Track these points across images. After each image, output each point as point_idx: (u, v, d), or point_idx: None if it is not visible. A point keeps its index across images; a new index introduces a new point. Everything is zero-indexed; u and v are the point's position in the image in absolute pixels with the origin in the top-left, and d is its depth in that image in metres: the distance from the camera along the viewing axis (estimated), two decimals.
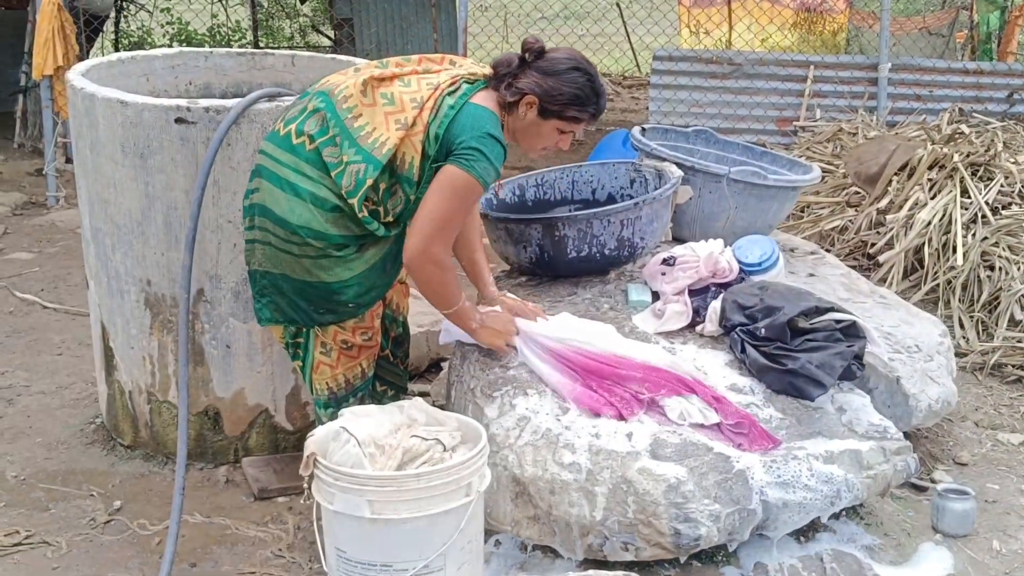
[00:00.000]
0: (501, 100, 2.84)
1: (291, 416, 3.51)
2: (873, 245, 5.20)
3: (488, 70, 2.90)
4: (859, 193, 5.76)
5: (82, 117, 3.32)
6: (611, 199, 3.85)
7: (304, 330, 3.05)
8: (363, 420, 2.64)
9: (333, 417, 2.83)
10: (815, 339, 3.03)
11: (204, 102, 3.22)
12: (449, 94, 2.81)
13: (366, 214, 2.85)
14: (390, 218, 2.91)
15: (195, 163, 3.21)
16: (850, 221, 5.55)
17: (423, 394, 3.85)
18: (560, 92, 2.81)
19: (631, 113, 10.49)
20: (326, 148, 2.83)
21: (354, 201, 2.81)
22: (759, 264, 3.42)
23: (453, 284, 2.92)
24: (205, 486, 3.40)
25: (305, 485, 2.63)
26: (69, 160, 7.33)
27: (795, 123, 7.26)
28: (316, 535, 2.64)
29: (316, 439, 2.57)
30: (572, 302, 3.44)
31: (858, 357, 3.08)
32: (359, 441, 2.52)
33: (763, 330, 3.04)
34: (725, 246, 3.43)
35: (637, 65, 9.94)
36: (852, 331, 3.10)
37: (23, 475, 3.46)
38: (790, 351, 2.99)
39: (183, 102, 3.20)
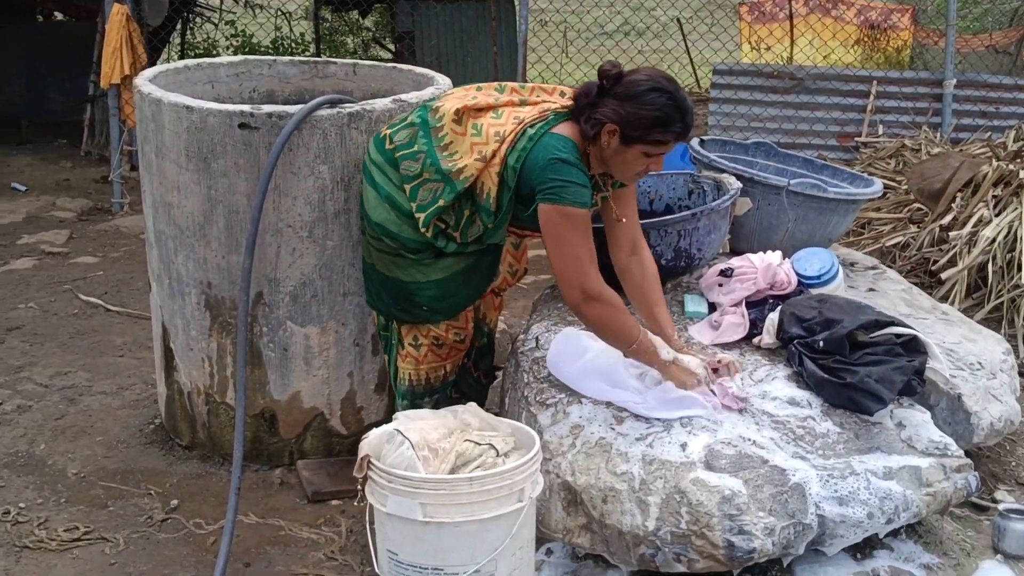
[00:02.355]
0: (584, 131, 2.80)
1: (346, 420, 3.54)
2: (935, 262, 5.11)
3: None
4: (921, 210, 5.67)
5: (148, 122, 3.39)
6: (668, 210, 3.83)
7: (391, 322, 3.13)
8: (417, 423, 2.65)
9: (406, 409, 2.89)
10: (875, 353, 2.98)
11: (267, 108, 3.27)
12: (531, 126, 2.81)
13: (430, 233, 2.91)
14: (467, 240, 2.96)
15: (257, 168, 3.25)
16: (912, 238, 5.46)
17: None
18: (639, 117, 2.71)
19: None
20: (404, 161, 2.94)
21: (421, 216, 2.89)
22: (818, 277, 3.38)
23: (626, 317, 2.84)
24: (260, 487, 3.44)
25: (359, 487, 2.64)
26: (134, 168, 7.48)
27: (857, 139, 7.18)
28: (368, 537, 2.66)
29: (370, 441, 2.59)
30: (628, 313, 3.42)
31: (919, 372, 3.02)
32: (412, 444, 2.53)
33: (822, 343, 3.00)
34: (783, 258, 3.40)
35: (697, 81, 9.90)
36: (913, 346, 3.04)
37: (83, 473, 3.53)
38: (849, 365, 2.95)
39: (247, 107, 3.25)
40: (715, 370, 2.96)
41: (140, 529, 3.21)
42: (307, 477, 3.43)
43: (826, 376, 2.96)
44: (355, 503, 2.72)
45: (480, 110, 2.89)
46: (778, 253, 3.38)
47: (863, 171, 6.24)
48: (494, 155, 2.81)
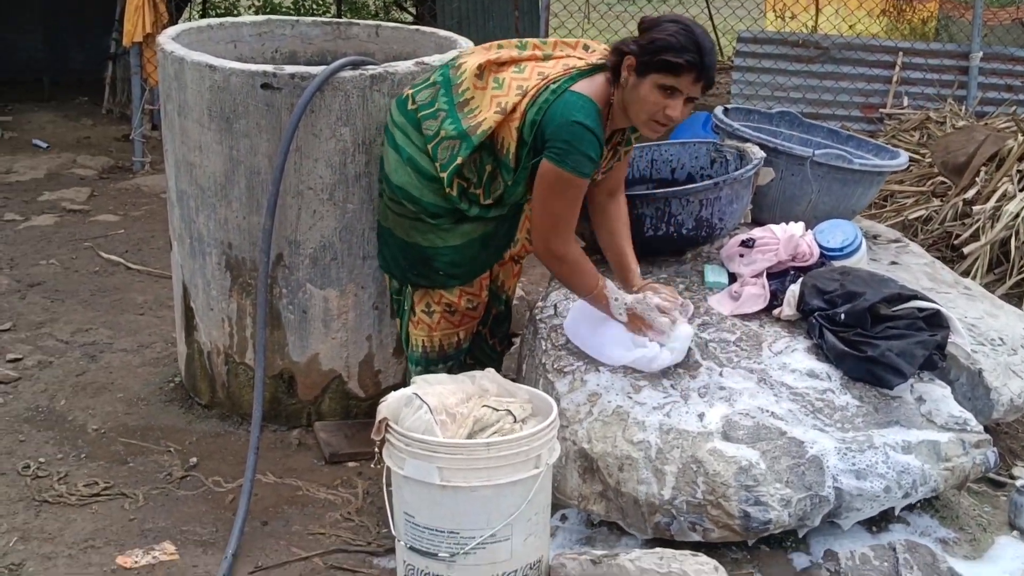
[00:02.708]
0: (609, 77, 2.77)
1: (363, 383, 3.55)
2: (958, 236, 5.07)
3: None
4: (945, 183, 5.61)
5: (171, 80, 3.38)
6: (690, 179, 3.80)
7: (405, 287, 3.14)
8: (435, 387, 2.66)
9: (418, 375, 2.90)
10: (896, 327, 2.97)
11: (290, 68, 3.25)
12: (555, 81, 2.79)
13: (454, 192, 2.91)
14: (489, 200, 2.95)
15: (279, 129, 3.24)
16: (935, 211, 5.41)
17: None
18: (652, 41, 2.68)
19: (712, 97, 10.32)
20: (426, 121, 2.92)
21: (444, 175, 2.88)
22: (840, 249, 3.36)
23: (586, 273, 2.92)
24: (278, 448, 3.46)
25: (376, 449, 2.66)
26: (155, 127, 7.47)
27: (881, 110, 7.09)
28: (385, 499, 2.67)
29: (388, 404, 2.60)
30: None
31: (940, 347, 3.00)
32: (431, 408, 2.54)
33: (843, 315, 2.98)
34: (806, 230, 3.37)
35: (720, 49, 9.80)
36: (935, 320, 3.02)
37: (103, 429, 3.56)
38: (870, 338, 2.93)
39: (269, 68, 3.24)
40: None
41: (159, 485, 3.24)
42: (324, 438, 3.45)
43: (847, 349, 2.94)
44: (372, 465, 2.73)
45: (502, 64, 2.87)
46: (800, 224, 3.35)
47: (887, 143, 6.18)
48: (514, 108, 2.79)
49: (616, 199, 3.10)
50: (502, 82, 2.84)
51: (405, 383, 3.51)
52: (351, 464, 3.37)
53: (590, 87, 2.78)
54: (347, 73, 3.25)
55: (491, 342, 3.38)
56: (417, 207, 2.98)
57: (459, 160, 2.85)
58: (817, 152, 3.62)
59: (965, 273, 4.69)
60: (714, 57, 2.75)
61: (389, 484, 2.69)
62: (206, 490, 3.23)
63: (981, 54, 6.99)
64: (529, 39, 3.00)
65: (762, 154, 3.56)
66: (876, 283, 3.08)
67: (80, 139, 7.67)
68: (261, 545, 2.97)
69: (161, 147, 7.14)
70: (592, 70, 2.82)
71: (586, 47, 2.93)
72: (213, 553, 2.92)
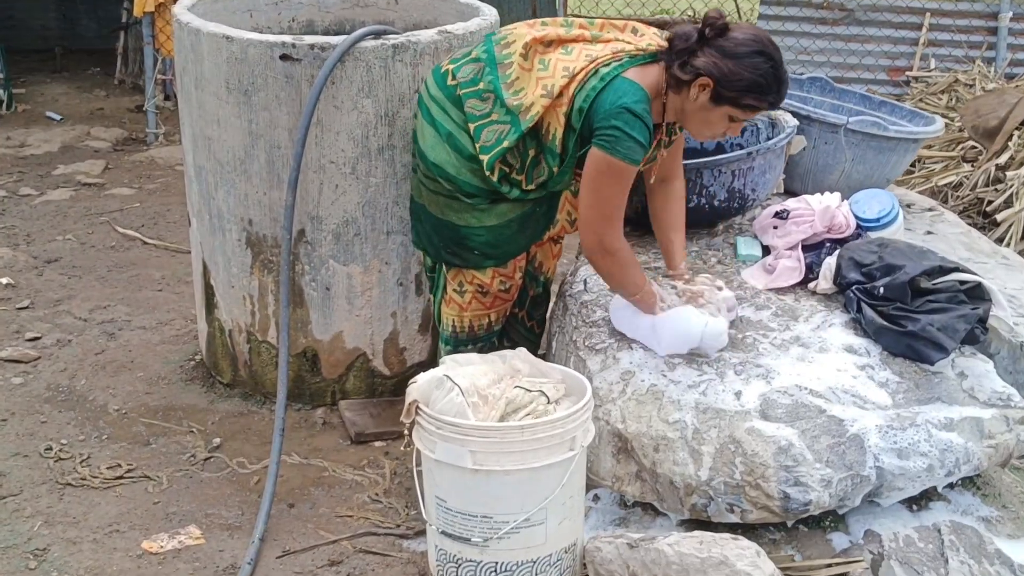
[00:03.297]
0: (667, 78, 2.66)
1: (388, 361, 3.48)
2: (990, 203, 4.96)
3: (665, 43, 2.74)
4: (976, 147, 5.49)
5: (187, 52, 3.30)
6: (720, 148, 3.69)
7: (438, 265, 3.05)
8: (466, 368, 2.59)
9: (449, 355, 2.83)
10: (937, 300, 2.88)
11: (309, 39, 3.16)
12: (605, 65, 2.67)
13: (495, 177, 2.80)
14: (531, 186, 2.85)
15: (299, 101, 3.16)
16: (965, 177, 5.29)
17: None
18: (740, 78, 2.57)
19: None
20: (470, 100, 2.79)
21: (485, 158, 2.76)
22: (877, 220, 3.27)
23: (635, 269, 2.81)
24: (302, 427, 3.40)
25: (406, 432, 2.60)
26: (167, 97, 7.39)
27: (908, 73, 6.94)
28: (415, 482, 2.61)
29: (419, 386, 2.53)
30: None
31: (982, 321, 2.91)
32: (462, 390, 2.47)
33: (882, 289, 2.89)
34: (841, 200, 3.28)
35: (739, 12, 9.63)
36: (977, 293, 2.93)
37: (124, 409, 3.51)
38: (910, 312, 2.85)
39: (288, 38, 3.15)
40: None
41: (183, 467, 3.19)
42: (350, 418, 3.39)
43: (886, 323, 2.86)
44: (402, 448, 2.67)
45: (549, 44, 2.75)
46: (836, 195, 3.26)
47: (914, 106, 6.05)
48: (561, 92, 2.68)
49: (671, 184, 2.98)
50: (548, 63, 2.72)
51: (433, 361, 3.47)
52: (377, 444, 3.32)
53: (641, 76, 2.67)
54: (368, 43, 3.15)
55: (529, 324, 3.29)
56: (453, 185, 2.87)
57: (505, 144, 2.74)
58: (851, 119, 3.52)
59: (999, 241, 4.59)
60: (789, 83, 2.68)
61: (419, 466, 2.63)
62: (230, 471, 3.18)
63: (1011, 14, 6.83)
64: (574, 18, 2.90)
65: (795, 122, 3.46)
66: (915, 255, 2.99)
67: (93, 111, 7.58)
68: (288, 528, 2.92)
69: (174, 118, 7.16)
70: (644, 58, 2.71)
71: (635, 30, 2.80)
72: (239, 537, 2.88)
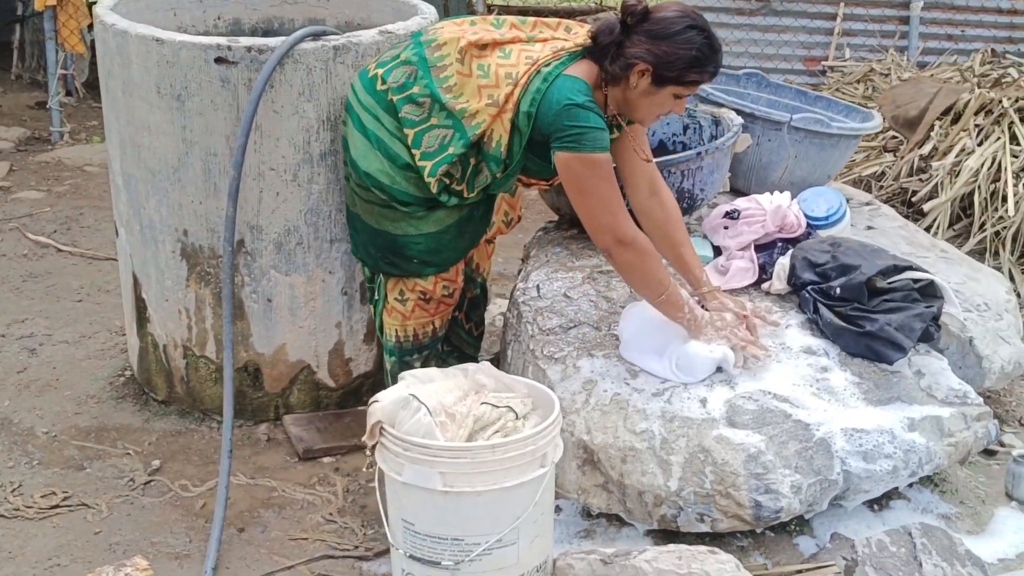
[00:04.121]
0: (600, 73, 2.61)
1: (334, 373, 3.37)
2: (915, 193, 5.04)
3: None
4: (896, 138, 5.58)
5: (113, 55, 3.12)
6: (662, 147, 3.67)
7: (377, 275, 2.95)
8: (429, 386, 2.50)
9: (396, 367, 2.77)
10: (893, 299, 2.89)
11: (246, 41, 3.02)
12: (546, 65, 2.60)
13: (435, 189, 2.71)
14: (472, 194, 2.76)
15: (236, 106, 3.02)
16: (888, 167, 5.37)
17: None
18: (677, 56, 2.54)
19: None
20: (405, 105, 2.69)
21: (428, 164, 2.67)
22: (826, 218, 3.27)
23: (657, 264, 2.70)
24: (246, 444, 3.27)
25: (367, 453, 2.50)
26: (69, 93, 7.08)
27: (823, 63, 7.04)
28: (379, 504, 2.51)
29: (382, 407, 2.43)
30: None
31: (935, 318, 2.94)
32: (430, 410, 2.38)
33: (838, 289, 2.90)
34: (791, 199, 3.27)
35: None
36: (929, 291, 2.96)
37: (54, 431, 3.32)
38: (868, 312, 2.86)
39: (224, 40, 3.00)
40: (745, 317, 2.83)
41: (122, 493, 3.03)
42: (296, 433, 3.26)
43: (844, 324, 2.86)
44: (364, 469, 2.58)
45: (484, 47, 2.67)
46: (787, 194, 3.25)
47: (831, 96, 6.12)
48: (507, 100, 2.61)
49: (659, 196, 2.88)
50: (488, 69, 2.64)
51: (379, 371, 3.37)
52: (326, 460, 3.20)
53: (582, 69, 2.62)
54: (308, 45, 3.02)
55: (467, 326, 3.22)
56: (387, 195, 2.77)
57: (451, 151, 2.65)
58: (795, 116, 3.52)
59: (926, 231, 4.66)
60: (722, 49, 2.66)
61: (382, 486, 2.53)
62: (173, 495, 3.03)
63: (922, 3, 6.96)
64: (505, 16, 2.81)
65: (740, 120, 3.44)
66: (869, 254, 3.00)
67: None
68: (240, 555, 2.79)
69: (78, 116, 6.87)
70: (582, 52, 2.65)
71: (568, 28, 2.75)
72: (190, 566, 2.74)
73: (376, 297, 3.06)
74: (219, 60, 2.98)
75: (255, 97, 2.94)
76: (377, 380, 3.36)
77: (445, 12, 7.36)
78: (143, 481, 3.08)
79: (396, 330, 3.01)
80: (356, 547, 2.82)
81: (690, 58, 2.56)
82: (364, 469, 2.58)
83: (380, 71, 2.77)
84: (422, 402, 2.39)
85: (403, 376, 2.58)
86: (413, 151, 2.70)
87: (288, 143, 3.06)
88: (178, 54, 2.99)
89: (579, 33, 2.73)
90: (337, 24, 3.66)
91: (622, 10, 2.59)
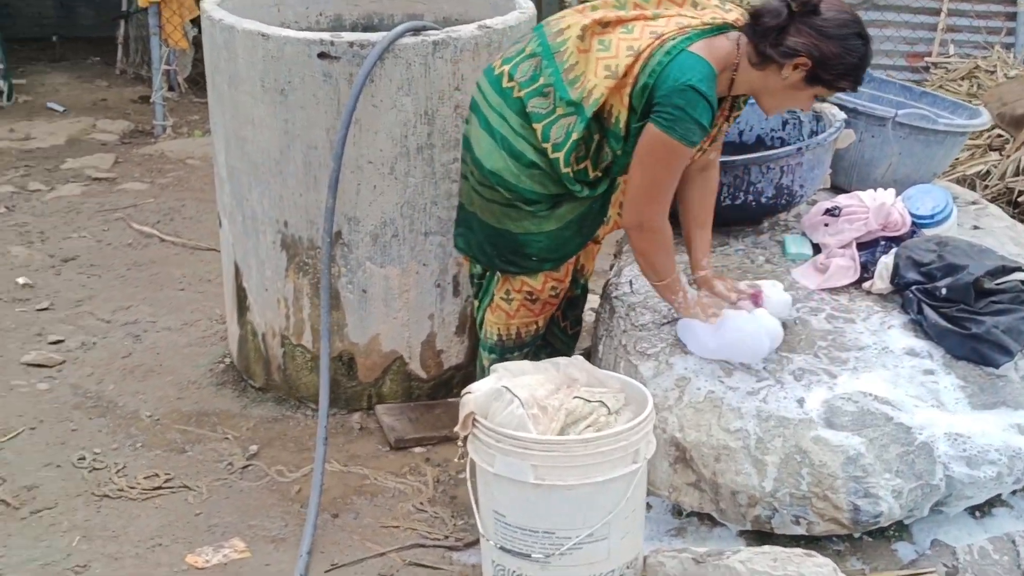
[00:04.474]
0: (747, 52, 2.55)
1: (425, 364, 3.40)
2: (1021, 193, 4.88)
3: (733, 15, 2.64)
4: (1002, 136, 5.41)
5: (220, 50, 3.19)
6: (760, 142, 3.62)
7: (489, 271, 2.93)
8: (522, 379, 2.50)
9: (493, 363, 2.75)
10: (1000, 301, 2.80)
11: (348, 36, 3.06)
12: (671, 39, 2.55)
13: (571, 172, 2.68)
14: (598, 173, 2.74)
15: (337, 100, 3.06)
16: (993, 166, 5.21)
17: None
18: (840, 60, 2.49)
19: None
20: (532, 99, 2.66)
21: (560, 155, 2.65)
22: (931, 217, 3.18)
23: (671, 254, 2.74)
24: (339, 432, 3.32)
25: (459, 444, 2.51)
26: (172, 88, 7.27)
27: (927, 59, 6.86)
28: (470, 495, 2.53)
29: (475, 398, 2.44)
30: (724, 253, 3.24)
31: None
32: (523, 402, 2.39)
33: (944, 290, 2.82)
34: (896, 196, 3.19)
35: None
36: None
37: (157, 415, 3.42)
38: (974, 314, 2.77)
39: (327, 36, 3.05)
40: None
41: (221, 476, 3.11)
42: (388, 423, 3.30)
43: (949, 326, 2.78)
44: (456, 460, 2.59)
45: (607, 25, 2.62)
46: (891, 191, 3.17)
47: (936, 92, 5.95)
48: (627, 72, 2.55)
49: (707, 174, 2.88)
50: (608, 44, 2.59)
51: (471, 364, 3.39)
52: (417, 450, 3.24)
53: (708, 49, 2.55)
54: (408, 40, 3.06)
55: (563, 324, 3.20)
56: (513, 193, 2.74)
57: (574, 136, 2.62)
58: (900, 112, 3.43)
59: None
60: None
61: (473, 477, 2.55)
62: (270, 480, 3.10)
63: None
64: None
65: (843, 116, 3.37)
66: (976, 254, 2.91)
67: (96, 101, 7.45)
68: (334, 540, 2.84)
69: (180, 110, 7.05)
70: (711, 31, 2.59)
71: (695, 4, 2.69)
72: (285, 550, 2.80)
73: (481, 294, 3.03)
74: (322, 55, 3.03)
75: (356, 91, 2.98)
76: (468, 372, 3.39)
77: (539, 6, 7.38)
78: (241, 465, 3.15)
79: (499, 328, 3.00)
80: (447, 536, 2.85)
81: (851, 65, 2.51)
82: (456, 460, 2.60)
83: (506, 67, 2.74)
84: (515, 394, 2.40)
85: (495, 368, 2.59)
86: (544, 145, 2.67)
87: (386, 136, 3.10)
88: (283, 49, 3.05)
89: (707, 8, 2.67)
90: (435, 19, 3.68)
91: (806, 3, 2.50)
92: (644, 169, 2.59)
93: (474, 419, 2.44)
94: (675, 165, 2.59)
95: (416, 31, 3.09)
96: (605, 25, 2.63)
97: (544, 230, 2.79)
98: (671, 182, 2.62)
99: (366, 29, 3.70)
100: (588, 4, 2.74)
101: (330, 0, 3.74)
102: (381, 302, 3.29)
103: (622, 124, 2.61)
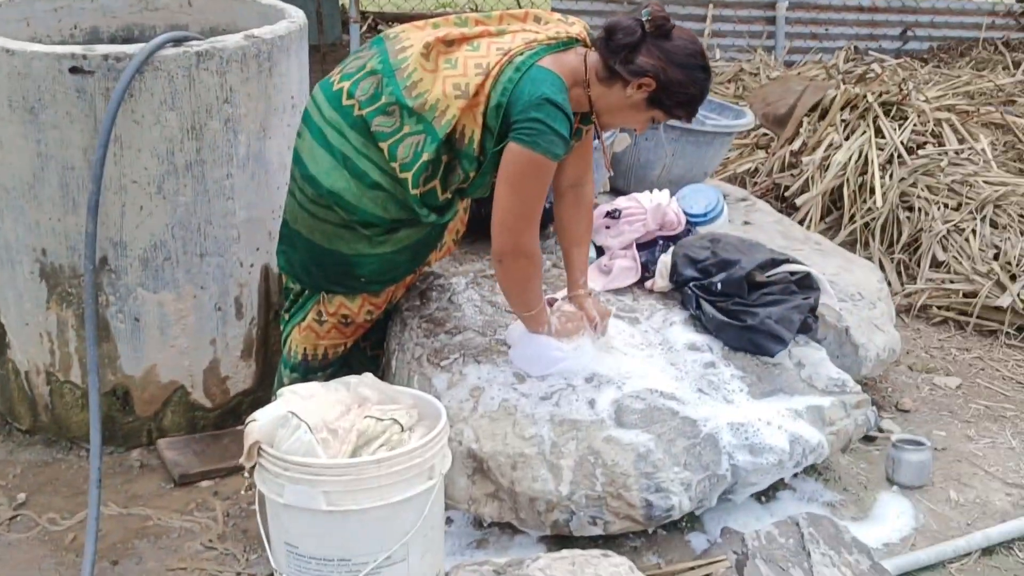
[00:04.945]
0: (597, 68, 2.53)
1: (210, 392, 3.23)
2: (787, 188, 5.15)
3: (576, 28, 2.61)
4: (767, 135, 5.70)
5: None
6: None
7: (314, 293, 2.82)
8: (310, 403, 2.40)
9: (295, 382, 2.62)
10: (772, 293, 2.93)
11: (102, 49, 2.87)
12: (519, 55, 2.50)
13: (419, 193, 2.57)
14: (447, 195, 2.64)
15: (94, 117, 2.87)
16: (761, 163, 5.48)
17: None
18: (682, 89, 2.48)
19: None
20: (376, 117, 2.55)
21: (408, 175, 2.54)
22: (704, 215, 3.30)
23: (538, 286, 2.67)
24: (118, 472, 3.11)
25: (245, 475, 2.39)
26: None
27: None
28: (260, 528, 2.41)
29: (260, 425, 2.32)
30: None
31: (812, 309, 2.99)
32: (311, 427, 2.29)
33: (719, 285, 2.92)
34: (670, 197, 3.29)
35: (520, 3, 9.70)
36: (806, 282, 3.01)
37: None
38: (748, 306, 2.88)
39: (78, 49, 2.85)
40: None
41: None
42: (171, 458, 3.12)
43: (726, 319, 2.88)
44: (242, 492, 2.47)
45: (451, 43, 2.55)
46: (666, 192, 3.26)
47: None
48: (477, 91, 2.48)
49: (581, 188, 2.83)
50: (455, 62, 2.52)
51: (260, 387, 3.25)
52: (204, 483, 3.06)
53: (557, 64, 2.52)
54: (169, 51, 2.89)
55: (362, 345, 3.11)
56: (351, 215, 2.62)
57: (425, 157, 2.51)
58: None
59: (800, 224, 4.76)
60: None
61: (263, 508, 2.42)
62: (41, 530, 2.86)
63: (787, 3, 7.16)
64: (468, 14, 2.68)
65: None
66: (747, 249, 3.03)
67: None
68: None
69: None
70: (558, 45, 2.56)
71: (537, 19, 2.65)
72: None
73: (294, 310, 2.92)
74: (74, 70, 2.83)
75: (113, 107, 2.80)
76: (258, 397, 3.25)
77: (318, 17, 7.23)
78: (8, 516, 2.90)
79: (306, 348, 2.90)
80: (239, 574, 2.71)
81: (691, 95, 2.52)
82: (243, 492, 2.46)
83: (346, 84, 2.61)
84: (302, 419, 2.29)
85: (281, 393, 2.48)
86: (391, 165, 2.56)
87: (150, 154, 2.93)
88: (30, 65, 2.83)
89: (550, 22, 2.64)
90: (201, 30, 3.52)
91: (652, 18, 2.48)
92: (513, 190, 2.51)
93: (260, 448, 2.32)
94: (542, 181, 2.53)
95: (178, 42, 2.93)
96: (449, 43, 2.55)
97: (377, 252, 2.70)
98: (540, 200, 2.56)
99: (125, 42, 3.49)
100: (429, 21, 2.65)
101: (85, 13, 3.51)
102: (156, 330, 3.10)
103: (476, 144, 2.54)
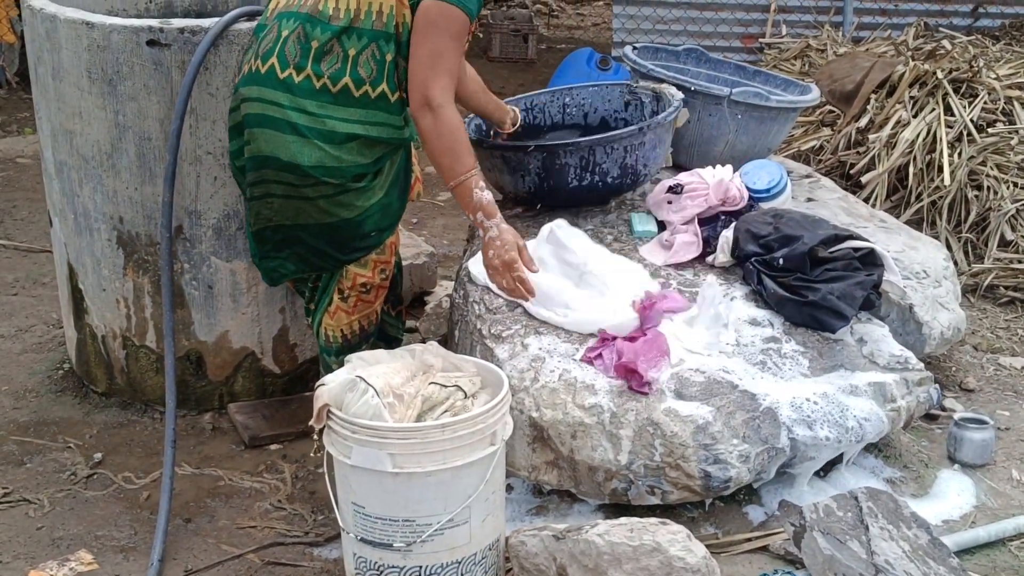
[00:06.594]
0: None
1: (279, 359, 3.32)
2: (852, 166, 5.10)
3: None
4: (833, 112, 5.63)
5: (42, 41, 3.03)
6: (604, 124, 3.67)
7: (323, 276, 2.88)
8: (376, 368, 2.47)
9: (343, 366, 2.69)
10: (834, 268, 2.92)
11: (178, 22, 2.95)
12: None
13: (398, 99, 2.68)
14: (399, 92, 2.70)
15: (170, 89, 2.95)
16: (826, 141, 5.43)
17: (410, 330, 3.68)
18: None
19: (578, 30, 10.21)
20: (321, 65, 2.62)
21: (383, 86, 2.63)
22: (767, 191, 3.29)
23: (460, 145, 2.63)
24: (191, 434, 3.21)
25: (315, 437, 2.47)
26: (0, 85, 6.91)
27: (760, 40, 7.09)
28: (328, 488, 2.49)
29: (329, 389, 2.40)
30: None
31: (876, 286, 2.98)
32: (378, 391, 2.36)
33: (781, 260, 2.92)
34: (733, 172, 3.29)
35: None
36: (870, 259, 2.99)
37: None
38: (810, 282, 2.88)
39: (155, 22, 2.93)
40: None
41: (64, 487, 2.96)
42: (242, 421, 3.22)
43: (787, 294, 2.89)
44: (312, 454, 2.54)
45: None
46: (728, 167, 3.27)
47: (769, 71, 6.16)
48: None
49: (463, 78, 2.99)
50: None
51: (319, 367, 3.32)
52: (273, 447, 3.16)
53: None
54: (242, 25, 2.97)
55: (385, 307, 3.16)
56: (340, 178, 2.69)
57: (388, 57, 2.60)
58: (735, 91, 3.53)
59: (865, 202, 4.72)
60: None
61: (330, 470, 2.50)
62: (117, 488, 2.97)
63: None
64: None
65: (681, 95, 3.44)
66: (810, 224, 3.03)
67: None
68: (188, 545, 2.75)
69: (8, 108, 6.68)
70: None
71: None
72: (135, 559, 2.69)
73: (318, 298, 2.96)
74: (151, 43, 2.92)
75: (189, 80, 2.88)
76: None
77: None
78: (85, 474, 3.02)
79: (342, 329, 2.96)
80: (307, 533, 2.79)
81: None
82: (312, 454, 2.54)
83: (272, 60, 2.66)
84: (369, 383, 2.36)
85: (349, 359, 2.55)
86: (358, 92, 2.63)
87: (224, 125, 3.00)
88: (109, 37, 2.92)
89: None
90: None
91: None
92: (424, 39, 2.56)
93: (328, 411, 2.40)
94: (455, 33, 2.58)
95: (251, 16, 3.00)
96: None
97: (373, 202, 2.77)
98: (454, 56, 2.59)
99: (199, 15, 3.58)
100: None
101: None
102: (228, 298, 3.19)
103: (410, 29, 2.61)
